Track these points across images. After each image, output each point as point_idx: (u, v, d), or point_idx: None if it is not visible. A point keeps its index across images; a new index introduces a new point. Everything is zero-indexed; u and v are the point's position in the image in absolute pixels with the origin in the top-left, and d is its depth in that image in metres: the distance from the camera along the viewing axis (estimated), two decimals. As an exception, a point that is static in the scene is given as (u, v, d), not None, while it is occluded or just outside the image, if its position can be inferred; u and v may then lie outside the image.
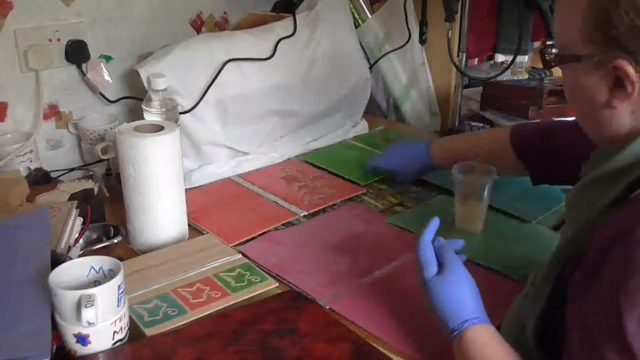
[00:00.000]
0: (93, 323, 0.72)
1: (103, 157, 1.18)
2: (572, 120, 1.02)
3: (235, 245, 1.06)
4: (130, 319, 0.81)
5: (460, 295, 0.76)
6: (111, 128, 1.29)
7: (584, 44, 0.64)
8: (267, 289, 0.93)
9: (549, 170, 1.07)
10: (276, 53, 1.38)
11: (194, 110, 1.27)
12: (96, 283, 0.78)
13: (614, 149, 0.66)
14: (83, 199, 1.07)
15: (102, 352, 0.76)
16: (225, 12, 1.51)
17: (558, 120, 1.16)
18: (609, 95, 0.64)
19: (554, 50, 0.71)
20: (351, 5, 1.62)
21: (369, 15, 1.68)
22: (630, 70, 0.61)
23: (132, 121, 1.04)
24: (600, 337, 0.58)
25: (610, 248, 0.59)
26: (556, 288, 0.68)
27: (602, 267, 0.60)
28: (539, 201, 1.17)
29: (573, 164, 0.77)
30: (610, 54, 0.62)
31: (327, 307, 0.90)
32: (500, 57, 1.68)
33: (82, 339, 0.74)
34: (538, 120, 1.29)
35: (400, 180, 1.28)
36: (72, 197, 1.09)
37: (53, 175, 1.24)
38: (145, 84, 1.19)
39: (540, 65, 1.94)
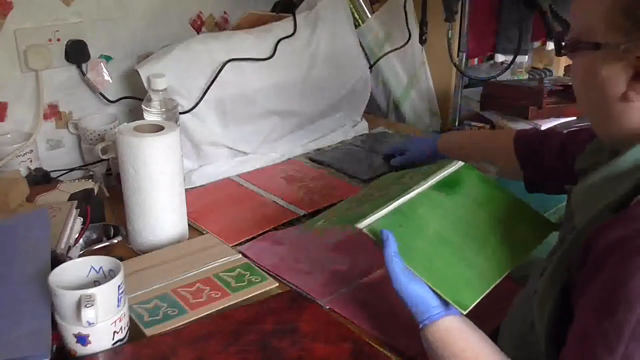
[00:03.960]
0: (93, 323, 0.72)
1: (103, 157, 1.18)
2: (570, 130, 1.01)
3: (235, 245, 1.06)
4: (130, 319, 0.81)
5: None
6: (111, 128, 1.29)
7: (607, 31, 0.61)
8: (267, 289, 0.93)
9: (539, 176, 1.03)
10: (276, 53, 1.37)
11: (194, 110, 1.27)
12: (96, 283, 0.78)
13: (616, 145, 0.64)
14: (83, 199, 1.07)
15: (102, 352, 0.76)
16: (225, 12, 1.51)
17: (565, 130, 1.14)
18: (627, 88, 0.61)
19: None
20: (351, 5, 1.61)
21: (369, 15, 1.68)
22: None
23: (132, 121, 1.04)
24: (595, 341, 0.57)
25: (609, 253, 0.58)
26: (563, 291, 0.67)
27: (600, 272, 0.58)
28: (539, 202, 1.17)
29: (556, 173, 0.74)
30: (637, 42, 0.59)
31: (327, 307, 0.90)
32: (500, 57, 1.67)
33: (82, 339, 0.74)
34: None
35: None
36: (72, 197, 1.09)
37: (53, 175, 1.24)
38: (145, 84, 1.19)
39: (541, 65, 1.94)
